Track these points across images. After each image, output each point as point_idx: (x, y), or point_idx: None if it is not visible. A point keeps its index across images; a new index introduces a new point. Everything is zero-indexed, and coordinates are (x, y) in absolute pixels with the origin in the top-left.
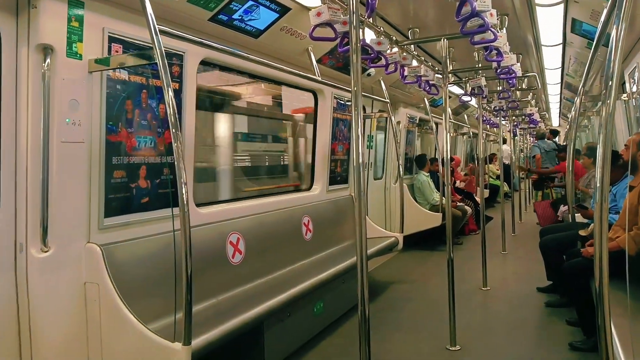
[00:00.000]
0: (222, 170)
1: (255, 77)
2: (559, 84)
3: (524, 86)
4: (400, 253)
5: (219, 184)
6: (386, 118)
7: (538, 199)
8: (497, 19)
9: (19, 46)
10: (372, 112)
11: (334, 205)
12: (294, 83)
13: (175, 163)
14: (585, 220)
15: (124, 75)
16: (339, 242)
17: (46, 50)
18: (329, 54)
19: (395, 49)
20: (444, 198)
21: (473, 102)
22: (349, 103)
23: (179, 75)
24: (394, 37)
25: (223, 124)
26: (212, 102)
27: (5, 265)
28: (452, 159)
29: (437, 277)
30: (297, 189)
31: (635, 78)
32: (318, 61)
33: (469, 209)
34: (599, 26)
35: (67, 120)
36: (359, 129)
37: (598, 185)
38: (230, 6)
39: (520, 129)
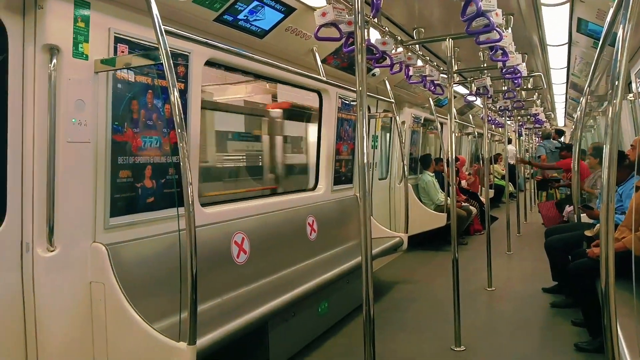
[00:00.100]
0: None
1: (258, 76)
2: (565, 84)
3: (529, 86)
4: (404, 253)
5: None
6: (391, 118)
7: (542, 200)
8: (503, 19)
9: (25, 46)
10: (376, 112)
11: (339, 205)
12: (299, 83)
13: (181, 163)
14: (591, 221)
15: (129, 75)
16: (344, 242)
17: (52, 50)
18: (334, 54)
19: (400, 49)
20: (448, 198)
21: (478, 102)
22: (354, 103)
23: (184, 75)
24: (398, 37)
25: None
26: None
27: (11, 264)
28: (457, 159)
29: (442, 278)
30: (274, 192)
31: None
32: (323, 61)
33: (473, 209)
34: (605, 26)
35: (73, 120)
36: (364, 129)
37: (604, 185)
38: (236, 6)
39: (525, 129)
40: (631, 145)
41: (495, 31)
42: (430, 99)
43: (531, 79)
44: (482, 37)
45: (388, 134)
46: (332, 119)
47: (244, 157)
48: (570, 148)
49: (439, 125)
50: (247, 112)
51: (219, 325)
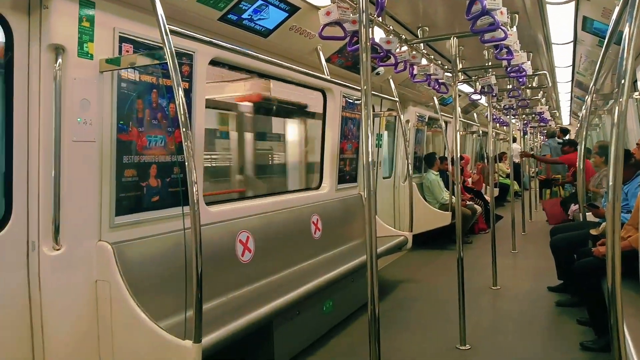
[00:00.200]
0: None
1: (264, 75)
2: (570, 82)
3: (534, 84)
4: (409, 252)
5: None
6: (395, 117)
7: (546, 198)
8: (507, 17)
9: (30, 46)
10: (381, 111)
11: (343, 204)
12: (303, 82)
13: (186, 162)
14: (597, 220)
15: (134, 74)
16: (348, 241)
17: (58, 50)
18: (338, 53)
19: (405, 48)
20: (453, 197)
21: (483, 100)
22: (358, 102)
23: (188, 74)
24: (403, 36)
25: None
26: None
27: (17, 263)
28: (461, 158)
29: (447, 276)
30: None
31: None
32: (327, 60)
33: (478, 208)
34: (611, 24)
35: (78, 119)
36: (369, 128)
37: (611, 183)
38: (240, 6)
39: (530, 127)
40: (637, 144)
41: (500, 30)
42: (435, 97)
43: (536, 78)
44: (487, 36)
45: (392, 133)
46: (337, 118)
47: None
48: (572, 143)
49: (443, 124)
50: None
51: (224, 324)
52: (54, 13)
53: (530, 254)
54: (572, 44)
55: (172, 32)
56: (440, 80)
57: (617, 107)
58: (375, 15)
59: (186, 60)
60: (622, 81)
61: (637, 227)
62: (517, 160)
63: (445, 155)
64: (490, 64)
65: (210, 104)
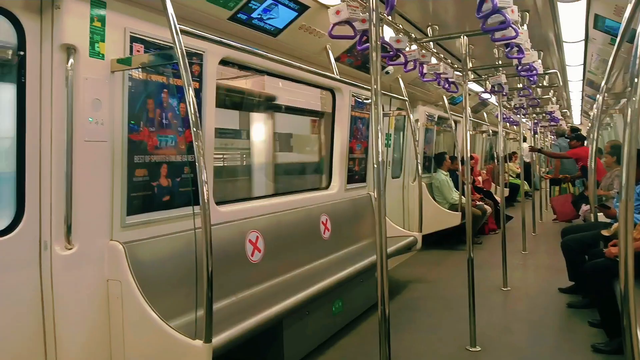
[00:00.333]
0: None
1: (273, 75)
2: (581, 81)
3: (545, 83)
4: (419, 252)
5: None
6: (404, 116)
7: (555, 194)
8: (518, 16)
9: (42, 46)
10: (390, 110)
11: (352, 204)
12: (313, 81)
13: (196, 162)
14: (608, 220)
15: (145, 74)
16: (357, 241)
17: (69, 50)
18: (347, 52)
19: (414, 47)
20: (463, 197)
21: (493, 99)
22: (367, 101)
23: (198, 74)
24: (413, 35)
25: None
26: None
27: (30, 262)
28: (471, 157)
29: (457, 277)
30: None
31: None
32: (336, 59)
33: (488, 208)
34: (623, 22)
35: (90, 119)
36: (379, 127)
37: (623, 183)
38: (250, 5)
39: (540, 126)
40: None
41: (510, 28)
42: (444, 96)
43: (547, 77)
44: (498, 34)
45: (401, 132)
46: (346, 118)
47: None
48: (579, 137)
49: (453, 124)
50: None
51: (234, 324)
52: (66, 13)
53: (540, 254)
54: (583, 42)
55: (183, 31)
56: (450, 79)
57: (629, 106)
58: (385, 14)
59: (196, 60)
60: (635, 80)
61: None
62: (527, 159)
63: (455, 155)
64: (500, 62)
65: None
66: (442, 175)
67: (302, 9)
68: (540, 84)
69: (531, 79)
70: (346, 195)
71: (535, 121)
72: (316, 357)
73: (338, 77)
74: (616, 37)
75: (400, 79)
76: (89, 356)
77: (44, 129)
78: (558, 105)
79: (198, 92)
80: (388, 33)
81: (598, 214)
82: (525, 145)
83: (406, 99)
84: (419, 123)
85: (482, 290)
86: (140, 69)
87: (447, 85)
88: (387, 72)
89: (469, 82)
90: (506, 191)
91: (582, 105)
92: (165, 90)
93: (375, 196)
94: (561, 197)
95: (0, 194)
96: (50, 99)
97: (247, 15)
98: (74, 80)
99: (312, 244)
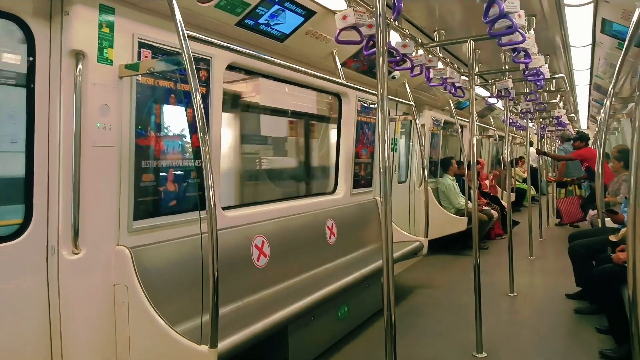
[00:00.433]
0: None
1: (280, 80)
2: (588, 86)
3: (551, 88)
4: (425, 257)
5: None
6: (410, 121)
7: (561, 197)
8: (525, 20)
9: (51, 52)
10: (396, 115)
11: (358, 208)
12: (319, 86)
13: (203, 167)
14: (616, 225)
15: (152, 80)
16: (363, 246)
17: (78, 55)
18: (354, 57)
19: (421, 51)
20: (469, 202)
21: (499, 104)
22: (373, 106)
23: (205, 79)
24: (419, 40)
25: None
26: None
27: (37, 267)
28: (477, 162)
29: (463, 283)
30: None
31: None
32: (343, 64)
33: (495, 213)
34: (631, 26)
35: (98, 124)
36: (385, 132)
37: (631, 188)
38: (257, 11)
39: (547, 131)
40: None
41: (517, 33)
42: (451, 101)
43: (554, 81)
44: (505, 39)
45: (407, 137)
46: (352, 122)
47: None
48: (583, 137)
49: (459, 128)
50: None
51: (240, 329)
52: (75, 19)
53: (547, 260)
54: (590, 46)
55: (190, 37)
56: (456, 84)
57: (637, 111)
58: (391, 19)
59: (203, 66)
60: None
61: None
62: (535, 164)
63: (462, 160)
64: (507, 67)
65: None
66: (449, 180)
67: (308, 14)
68: (547, 89)
69: (538, 83)
70: (352, 200)
71: (542, 126)
72: None
73: (344, 82)
74: (624, 41)
75: (406, 84)
76: None
77: (52, 134)
78: (565, 110)
79: (205, 97)
80: (394, 38)
81: (605, 219)
82: (532, 150)
83: (412, 103)
84: (425, 128)
85: (488, 295)
86: (148, 75)
87: (453, 89)
88: (393, 77)
89: (475, 87)
90: (513, 196)
91: (589, 110)
92: (172, 95)
93: (381, 201)
94: (567, 199)
95: (9, 198)
96: (58, 104)
97: (254, 21)
98: (82, 86)
99: (318, 249)
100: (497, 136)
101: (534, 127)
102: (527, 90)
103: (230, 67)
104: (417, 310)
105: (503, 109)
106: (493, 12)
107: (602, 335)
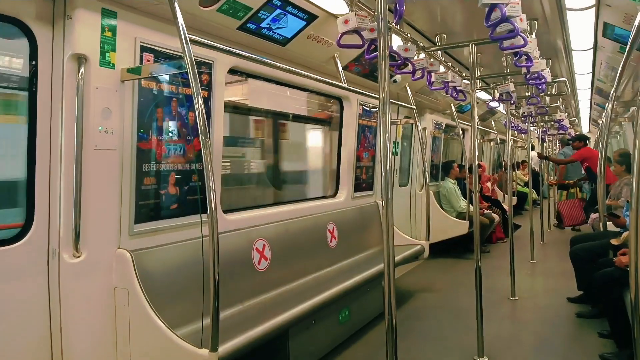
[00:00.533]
0: None
1: (281, 84)
2: (589, 89)
3: (553, 92)
4: (426, 261)
5: None
6: (412, 124)
7: (563, 199)
8: (527, 24)
9: (54, 55)
10: (397, 119)
11: (359, 212)
12: (321, 90)
13: (204, 170)
14: (617, 229)
15: (154, 83)
16: (364, 250)
17: (80, 59)
18: (355, 61)
19: (422, 55)
20: (471, 205)
21: (501, 107)
22: (374, 110)
23: (207, 83)
24: (421, 43)
25: None
26: None
27: (38, 270)
28: (479, 166)
29: (464, 286)
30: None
31: None
32: (344, 68)
33: (496, 217)
34: (633, 30)
35: (99, 128)
36: (387, 136)
37: (634, 192)
38: (259, 15)
39: (549, 135)
40: None
41: (519, 37)
42: (452, 105)
43: (555, 85)
44: (506, 43)
45: (409, 140)
46: (353, 126)
47: None
48: (581, 138)
49: (460, 132)
50: None
51: (240, 332)
52: (77, 23)
53: (549, 263)
54: (592, 50)
55: (192, 41)
56: (458, 88)
57: (639, 115)
58: (393, 23)
59: (205, 69)
60: None
61: None
62: (537, 168)
63: (463, 163)
64: (508, 71)
65: None
66: (450, 184)
67: (310, 18)
68: (548, 92)
69: (540, 87)
70: (353, 203)
71: (544, 129)
72: None
73: (346, 85)
74: (626, 45)
75: (408, 87)
76: None
77: (54, 137)
78: (566, 114)
79: (207, 101)
80: (396, 42)
81: (607, 222)
82: (534, 153)
83: (414, 107)
84: (426, 131)
85: (489, 299)
86: (150, 78)
87: (455, 93)
88: (395, 81)
89: (477, 91)
90: (514, 199)
91: (590, 113)
92: (174, 99)
93: (383, 204)
94: (569, 202)
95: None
96: (60, 107)
97: (256, 25)
98: (84, 89)
99: (319, 253)
100: (498, 140)
101: (536, 131)
102: (529, 94)
103: (232, 71)
104: (418, 314)
105: (504, 112)
106: (495, 16)
107: (604, 340)
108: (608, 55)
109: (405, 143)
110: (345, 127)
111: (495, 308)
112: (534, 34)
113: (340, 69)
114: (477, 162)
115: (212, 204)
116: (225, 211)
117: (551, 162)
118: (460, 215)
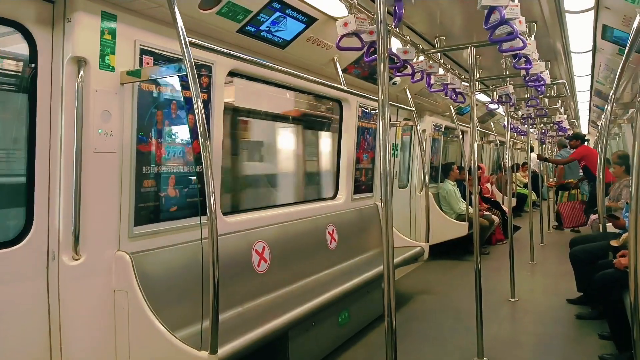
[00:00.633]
0: None
1: (281, 86)
2: (589, 91)
3: (552, 93)
4: (426, 263)
5: None
6: (411, 126)
7: (563, 201)
8: (526, 27)
9: (54, 58)
10: (397, 121)
11: (359, 214)
12: (320, 92)
13: (204, 172)
14: (617, 231)
15: (154, 86)
16: (364, 252)
17: (80, 62)
18: (355, 63)
19: (422, 58)
20: (470, 207)
21: (500, 109)
22: (374, 112)
23: (207, 86)
24: (420, 46)
25: None
26: None
27: (38, 272)
28: (478, 167)
29: (464, 288)
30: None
31: None
32: (343, 71)
33: (496, 219)
34: (632, 32)
35: (99, 130)
36: (386, 138)
37: (633, 193)
38: (258, 18)
39: (548, 136)
40: None
41: (518, 39)
42: (451, 107)
43: (554, 87)
44: (506, 45)
45: (408, 142)
46: (353, 128)
47: None
48: (577, 136)
49: (460, 134)
50: None
51: (240, 334)
52: (77, 26)
53: (549, 265)
54: (591, 52)
55: (192, 44)
56: (457, 90)
57: (638, 116)
58: (392, 26)
59: (205, 72)
60: None
61: None
62: (536, 169)
63: (462, 165)
64: (508, 73)
65: None
66: (449, 185)
67: (310, 21)
68: (547, 94)
69: (539, 89)
70: (353, 205)
71: (543, 131)
72: None
73: (345, 88)
74: (624, 47)
75: (407, 90)
76: None
77: (54, 140)
78: (566, 115)
79: (206, 104)
80: (395, 44)
81: (607, 224)
82: (534, 155)
83: (413, 109)
84: (426, 133)
85: (489, 301)
86: (149, 81)
87: (454, 95)
88: (394, 83)
89: (476, 93)
90: (514, 201)
91: (589, 115)
92: (173, 101)
93: (382, 206)
94: (569, 203)
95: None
96: (60, 110)
97: (255, 28)
98: (84, 92)
99: (319, 255)
100: (497, 141)
101: (535, 133)
102: (528, 96)
103: (232, 74)
104: (418, 315)
105: (504, 114)
106: (494, 18)
107: (604, 342)
108: (607, 57)
109: (404, 145)
110: (344, 130)
111: (495, 310)
112: (533, 36)
113: (340, 71)
114: (476, 164)
115: (212, 206)
116: (225, 213)
117: (550, 164)
118: (460, 217)
